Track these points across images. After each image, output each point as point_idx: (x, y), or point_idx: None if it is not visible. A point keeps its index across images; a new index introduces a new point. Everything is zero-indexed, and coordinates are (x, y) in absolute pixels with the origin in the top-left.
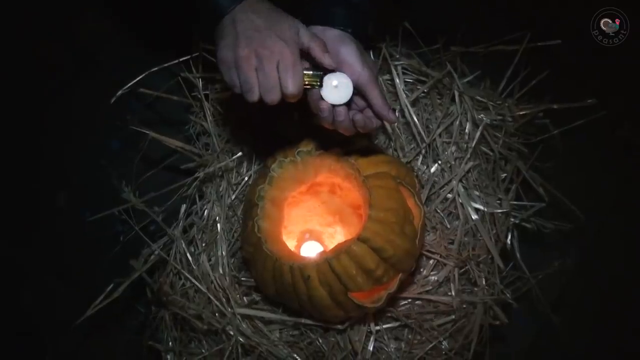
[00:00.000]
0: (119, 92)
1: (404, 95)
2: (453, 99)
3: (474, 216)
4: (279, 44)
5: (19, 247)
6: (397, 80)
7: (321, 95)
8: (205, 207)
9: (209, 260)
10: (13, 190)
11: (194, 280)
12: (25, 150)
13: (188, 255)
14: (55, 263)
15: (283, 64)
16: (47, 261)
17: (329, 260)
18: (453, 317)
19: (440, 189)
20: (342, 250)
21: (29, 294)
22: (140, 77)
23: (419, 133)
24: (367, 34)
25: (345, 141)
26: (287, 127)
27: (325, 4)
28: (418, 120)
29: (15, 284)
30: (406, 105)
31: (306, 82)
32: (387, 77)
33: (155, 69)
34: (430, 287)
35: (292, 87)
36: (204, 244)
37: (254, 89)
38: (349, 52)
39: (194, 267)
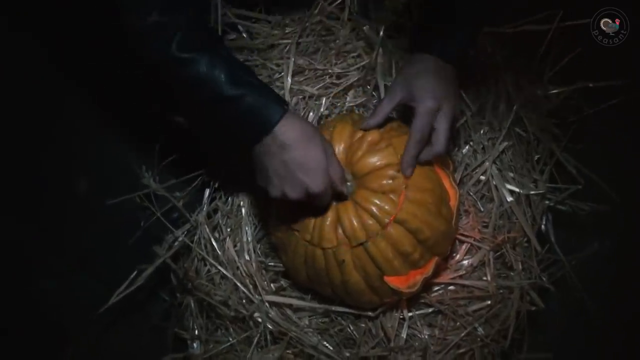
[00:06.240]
0: None
1: None
2: (484, 79)
3: (509, 198)
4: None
5: (40, 236)
6: None
7: None
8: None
9: (235, 246)
10: (33, 179)
11: (219, 267)
12: (43, 137)
13: (212, 241)
14: (76, 252)
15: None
16: (68, 250)
17: (364, 244)
18: (489, 302)
19: (473, 170)
20: (377, 232)
21: (50, 283)
22: None
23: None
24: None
25: None
26: None
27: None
28: None
29: (36, 274)
30: None
31: None
32: None
33: None
34: (464, 272)
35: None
36: (228, 229)
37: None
38: (420, 86)
39: (219, 253)
